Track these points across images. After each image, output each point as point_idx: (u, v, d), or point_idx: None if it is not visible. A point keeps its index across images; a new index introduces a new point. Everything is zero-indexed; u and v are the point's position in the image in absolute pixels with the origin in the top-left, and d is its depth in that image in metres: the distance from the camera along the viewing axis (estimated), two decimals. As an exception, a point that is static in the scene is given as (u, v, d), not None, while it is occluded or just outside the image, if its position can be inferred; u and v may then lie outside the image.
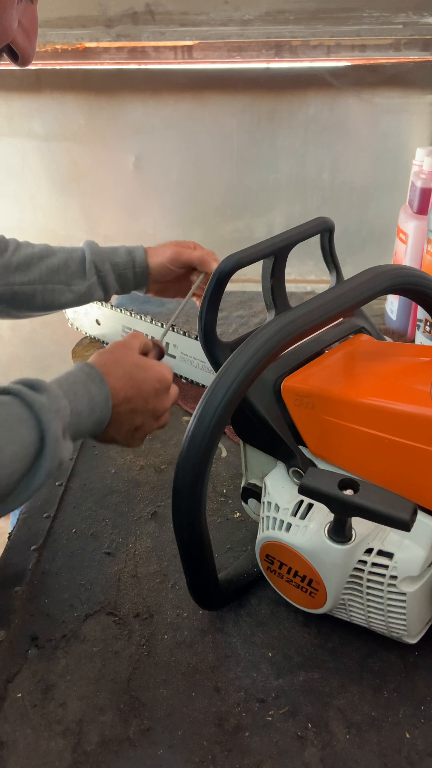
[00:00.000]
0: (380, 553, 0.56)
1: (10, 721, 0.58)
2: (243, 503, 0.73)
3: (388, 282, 0.61)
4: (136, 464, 0.90)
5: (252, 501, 0.71)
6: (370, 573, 0.56)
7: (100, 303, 1.11)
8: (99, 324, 1.16)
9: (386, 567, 0.56)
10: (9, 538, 0.79)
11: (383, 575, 0.56)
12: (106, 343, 1.17)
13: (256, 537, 0.64)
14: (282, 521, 0.60)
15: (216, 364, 0.65)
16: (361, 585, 0.57)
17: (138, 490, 0.85)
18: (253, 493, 0.70)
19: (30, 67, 0.67)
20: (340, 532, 0.55)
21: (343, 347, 0.67)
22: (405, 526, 0.49)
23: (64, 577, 0.72)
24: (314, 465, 0.62)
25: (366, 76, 1.36)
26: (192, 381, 1.04)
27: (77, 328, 1.22)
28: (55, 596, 0.70)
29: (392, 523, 0.49)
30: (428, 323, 0.99)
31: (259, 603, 0.68)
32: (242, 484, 0.72)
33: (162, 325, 1.02)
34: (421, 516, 0.55)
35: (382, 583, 0.56)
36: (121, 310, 1.09)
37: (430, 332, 1.00)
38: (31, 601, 0.70)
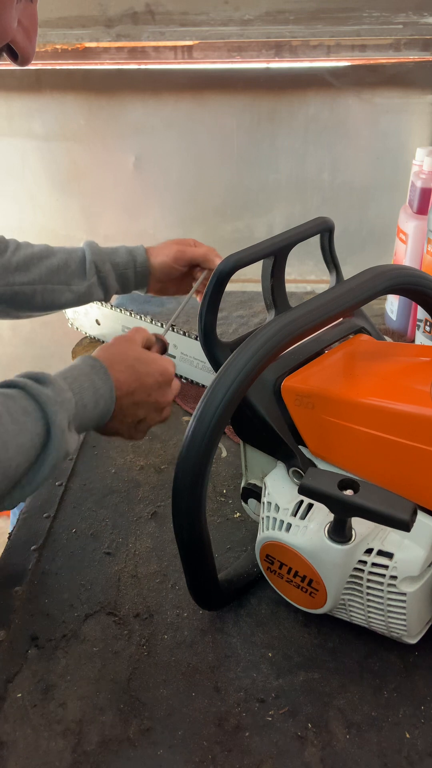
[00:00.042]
0: (380, 553, 0.56)
1: (10, 721, 0.58)
2: (243, 503, 0.73)
3: (388, 282, 0.61)
4: (136, 464, 0.90)
5: (252, 501, 0.71)
6: (370, 573, 0.56)
7: (100, 303, 1.11)
8: (99, 324, 1.16)
9: (386, 567, 0.56)
10: (9, 538, 0.79)
11: (383, 575, 0.56)
12: (106, 343, 1.17)
13: (256, 537, 0.64)
14: (282, 521, 0.60)
15: (216, 364, 0.65)
16: (361, 585, 0.57)
17: (138, 490, 0.85)
18: (253, 493, 0.70)
19: (30, 67, 0.67)
20: (340, 532, 0.55)
21: (343, 347, 0.67)
22: (405, 526, 0.49)
23: (64, 577, 0.72)
24: (314, 465, 0.62)
25: (366, 76, 1.36)
26: (192, 381, 1.04)
27: (77, 328, 1.22)
28: (55, 596, 0.70)
29: (392, 523, 0.49)
30: (428, 323, 0.99)
31: (259, 603, 0.68)
32: (242, 484, 0.72)
33: (162, 325, 1.02)
34: (421, 516, 0.55)
35: (382, 583, 0.56)
36: (120, 310, 1.09)
37: (430, 332, 1.00)
38: (31, 601, 0.70)
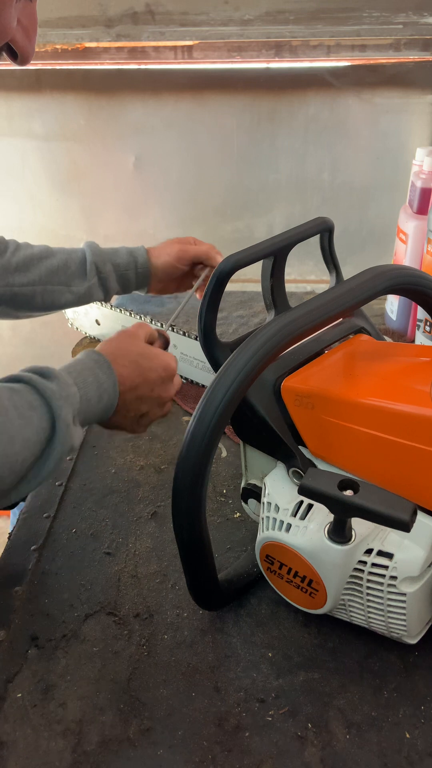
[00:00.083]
0: (380, 553, 0.56)
1: (10, 721, 0.58)
2: (243, 503, 0.73)
3: (388, 282, 0.61)
4: (136, 464, 0.90)
5: (252, 501, 0.71)
6: (370, 573, 0.56)
7: (99, 303, 1.11)
8: (99, 324, 1.16)
9: (386, 567, 0.56)
10: (9, 538, 0.79)
11: (383, 575, 0.56)
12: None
13: (256, 537, 0.64)
14: (282, 522, 0.60)
15: (216, 364, 0.65)
16: (361, 585, 0.57)
17: (138, 490, 0.85)
18: (253, 493, 0.70)
19: (30, 67, 0.67)
20: (340, 532, 0.55)
21: (343, 347, 0.67)
22: (405, 526, 0.49)
23: (64, 577, 0.72)
24: (314, 465, 0.62)
25: (366, 76, 1.36)
26: (192, 381, 1.04)
27: (77, 328, 1.22)
28: (55, 596, 0.70)
29: (392, 523, 0.49)
30: (428, 323, 0.99)
31: (259, 603, 0.68)
32: (242, 485, 0.72)
33: (161, 325, 1.02)
34: (421, 516, 0.55)
35: (382, 584, 0.56)
36: (120, 310, 1.09)
37: (430, 332, 1.00)
38: (31, 601, 0.70)
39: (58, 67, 1.40)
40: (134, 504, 0.82)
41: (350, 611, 0.60)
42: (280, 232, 0.65)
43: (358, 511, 0.51)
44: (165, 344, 0.81)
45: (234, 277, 0.61)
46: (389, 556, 0.56)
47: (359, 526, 0.56)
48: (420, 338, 1.03)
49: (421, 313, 1.03)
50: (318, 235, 0.68)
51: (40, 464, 0.60)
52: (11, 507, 1.03)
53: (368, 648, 0.63)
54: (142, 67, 1.39)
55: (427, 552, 0.55)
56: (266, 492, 0.63)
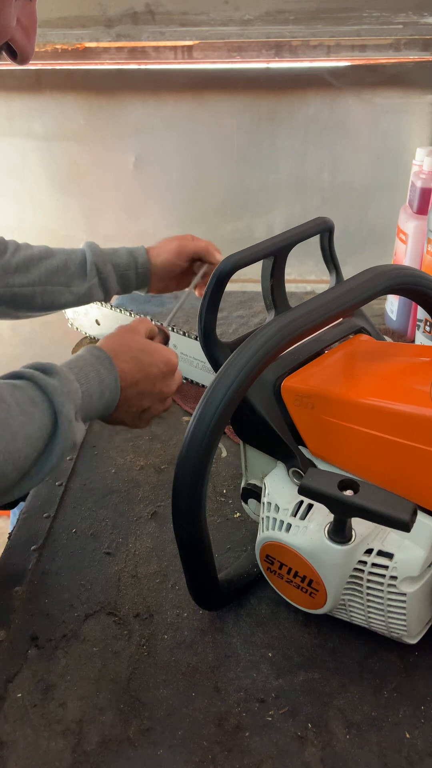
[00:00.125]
0: (380, 553, 0.56)
1: (10, 721, 0.58)
2: (243, 503, 0.73)
3: (388, 282, 0.61)
4: (136, 464, 0.90)
5: (252, 501, 0.71)
6: (370, 573, 0.56)
7: (100, 303, 1.11)
8: (99, 324, 1.16)
9: (386, 567, 0.56)
10: (9, 538, 0.79)
11: (383, 575, 0.56)
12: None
13: (256, 537, 0.64)
14: (282, 522, 0.60)
15: (216, 364, 0.65)
16: (361, 585, 0.57)
17: (138, 490, 0.85)
18: (253, 493, 0.70)
19: (30, 67, 0.67)
20: (340, 532, 0.55)
21: (343, 347, 0.67)
22: (405, 526, 0.49)
23: (64, 577, 0.72)
24: (314, 465, 0.62)
25: (366, 76, 1.36)
26: (192, 381, 1.04)
27: (77, 328, 1.22)
28: (55, 596, 0.70)
29: (392, 523, 0.49)
30: (428, 323, 0.99)
31: (259, 603, 0.68)
32: (242, 484, 0.72)
33: (161, 323, 1.02)
34: (421, 516, 0.55)
35: (382, 584, 0.56)
36: (120, 310, 1.09)
37: (430, 332, 1.00)
38: (31, 601, 0.70)
39: (58, 67, 1.40)
40: (134, 504, 0.82)
41: (350, 611, 0.60)
42: (280, 232, 0.65)
43: (358, 511, 0.51)
44: (165, 339, 0.81)
45: (234, 277, 0.61)
46: (389, 556, 0.56)
47: (359, 526, 0.56)
48: (420, 338, 1.03)
49: (421, 313, 1.03)
50: (318, 235, 0.68)
51: (42, 460, 0.60)
52: (12, 506, 1.03)
53: (368, 648, 0.63)
54: (142, 67, 1.39)
55: (427, 552, 0.55)
56: (266, 492, 0.63)
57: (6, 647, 0.65)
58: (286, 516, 0.60)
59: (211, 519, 0.79)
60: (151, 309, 1.29)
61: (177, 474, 0.56)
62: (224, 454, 0.91)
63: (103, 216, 1.58)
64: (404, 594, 0.56)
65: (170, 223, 1.56)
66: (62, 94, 1.45)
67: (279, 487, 0.63)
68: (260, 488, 0.68)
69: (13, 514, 1.06)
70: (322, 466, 0.62)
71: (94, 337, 1.19)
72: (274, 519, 0.61)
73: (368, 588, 0.57)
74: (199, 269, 0.99)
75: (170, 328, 0.99)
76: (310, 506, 0.59)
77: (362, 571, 0.57)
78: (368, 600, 0.58)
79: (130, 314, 1.07)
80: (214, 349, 0.65)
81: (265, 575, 0.65)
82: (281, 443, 0.62)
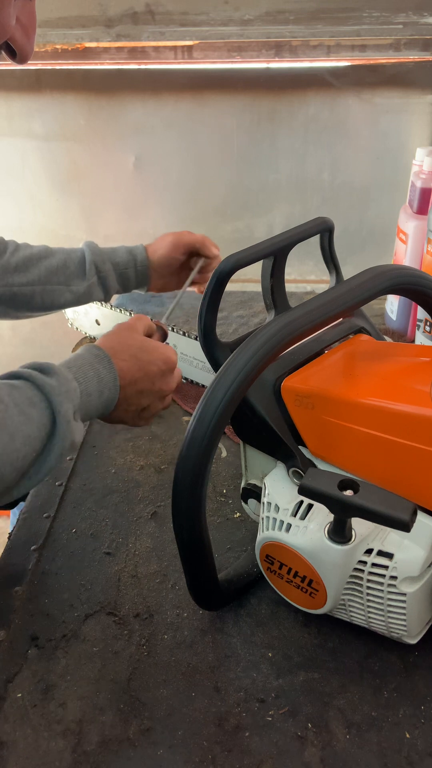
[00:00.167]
0: (380, 553, 0.56)
1: (10, 721, 0.58)
2: (243, 503, 0.73)
3: (388, 282, 0.61)
4: (136, 464, 0.90)
5: (252, 501, 0.71)
6: (370, 573, 0.56)
7: (99, 303, 1.11)
8: (99, 324, 1.16)
9: (386, 567, 0.56)
10: (9, 538, 0.79)
11: (383, 575, 0.56)
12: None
13: (256, 537, 0.64)
14: (282, 522, 0.60)
15: (216, 364, 0.65)
16: (361, 585, 0.57)
17: (138, 490, 0.85)
18: (253, 493, 0.70)
19: (30, 67, 0.67)
20: (340, 532, 0.55)
21: (343, 347, 0.67)
22: (405, 526, 0.49)
23: (64, 577, 0.72)
24: (314, 465, 0.62)
25: (366, 76, 1.36)
26: (192, 381, 1.04)
27: (77, 328, 1.22)
28: (55, 596, 0.70)
29: (392, 523, 0.49)
30: (428, 323, 0.99)
31: (259, 603, 0.68)
32: (242, 484, 0.72)
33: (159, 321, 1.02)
34: (421, 516, 0.55)
35: (382, 584, 0.56)
36: (120, 310, 1.09)
37: (430, 332, 1.00)
38: (31, 601, 0.70)
39: (58, 67, 1.40)
40: (134, 504, 0.82)
41: (350, 611, 0.60)
42: (280, 232, 0.65)
43: (358, 511, 0.51)
44: (163, 336, 0.81)
45: (234, 277, 0.61)
46: (389, 556, 0.56)
47: (359, 526, 0.56)
48: (420, 338, 1.03)
49: (421, 313, 1.03)
50: (318, 235, 0.68)
51: (41, 460, 0.60)
52: (12, 506, 1.03)
53: (368, 648, 0.63)
54: (142, 67, 1.39)
55: (427, 552, 0.55)
56: (266, 492, 0.63)
57: (6, 647, 0.65)
58: (286, 516, 0.60)
59: (211, 519, 0.79)
60: (151, 309, 1.29)
61: (177, 474, 0.56)
62: (224, 454, 0.91)
63: (103, 216, 1.58)
64: (404, 594, 0.56)
65: (170, 223, 1.56)
66: (62, 94, 1.45)
67: (279, 487, 0.63)
68: (260, 488, 0.68)
69: (13, 514, 1.06)
70: (322, 466, 0.62)
71: (94, 337, 1.19)
72: (274, 519, 0.61)
73: (368, 588, 0.57)
74: (195, 264, 0.99)
75: (170, 327, 0.99)
76: (310, 506, 0.59)
77: (362, 571, 0.57)
78: (368, 600, 0.58)
79: (130, 314, 1.07)
80: (214, 349, 0.65)
81: (265, 575, 0.65)
82: (281, 443, 0.62)
